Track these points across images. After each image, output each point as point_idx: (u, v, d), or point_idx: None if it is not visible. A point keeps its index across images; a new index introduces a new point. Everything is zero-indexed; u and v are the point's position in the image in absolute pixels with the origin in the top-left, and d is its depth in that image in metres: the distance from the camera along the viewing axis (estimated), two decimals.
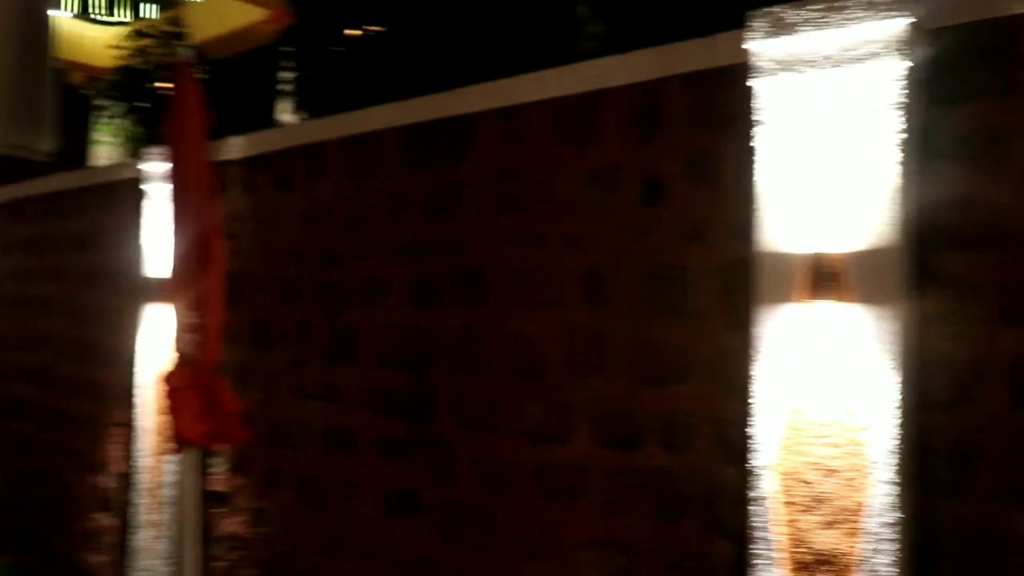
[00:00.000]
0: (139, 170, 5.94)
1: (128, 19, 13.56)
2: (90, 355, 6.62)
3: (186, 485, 5.58)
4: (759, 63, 3.06)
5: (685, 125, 3.46)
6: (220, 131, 4.84)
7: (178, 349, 3.89)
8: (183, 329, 3.84)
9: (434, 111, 4.36)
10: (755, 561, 2.98)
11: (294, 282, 5.03)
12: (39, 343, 7.31)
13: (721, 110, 3.31)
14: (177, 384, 3.77)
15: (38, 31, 8.83)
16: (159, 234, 5.72)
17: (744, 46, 3.09)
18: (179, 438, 3.83)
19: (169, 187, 4.10)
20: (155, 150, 5.80)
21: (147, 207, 5.86)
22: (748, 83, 3.10)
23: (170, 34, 8.39)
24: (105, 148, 11.95)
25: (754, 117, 3.08)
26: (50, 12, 8.94)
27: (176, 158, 3.97)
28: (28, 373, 7.42)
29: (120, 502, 6.13)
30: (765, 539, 2.95)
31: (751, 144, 3.09)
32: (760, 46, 3.05)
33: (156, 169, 5.76)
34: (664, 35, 3.56)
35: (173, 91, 4.03)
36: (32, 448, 7.28)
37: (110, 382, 6.32)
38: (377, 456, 4.54)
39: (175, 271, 3.94)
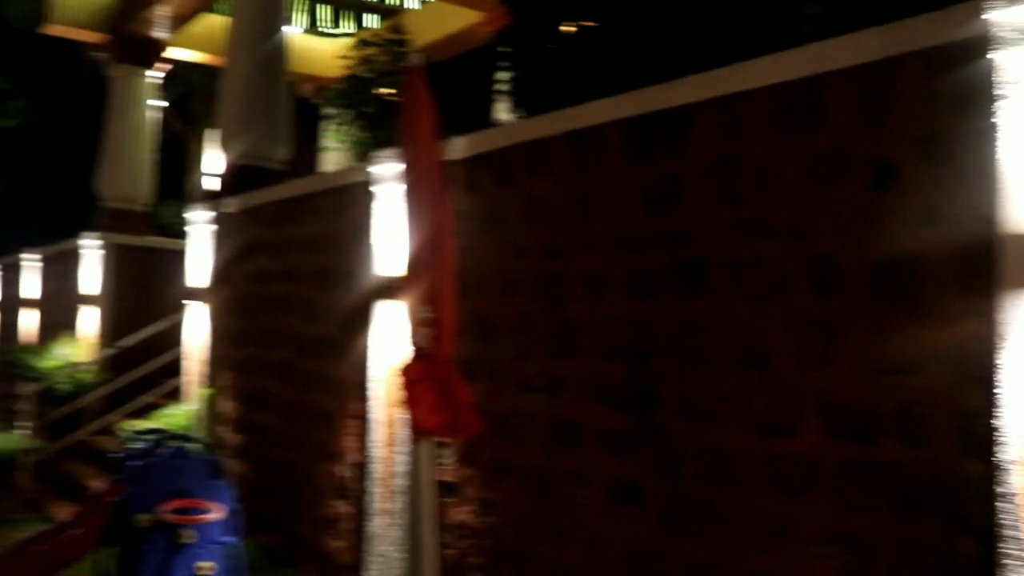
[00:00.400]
0: (369, 173, 6.22)
1: (352, 30, 14.20)
2: (326, 351, 6.98)
3: (419, 475, 5.81)
4: (1001, 34, 2.90)
5: (918, 104, 3.31)
6: (442, 132, 5.01)
7: (414, 343, 4.05)
8: (418, 324, 3.99)
9: (653, 103, 4.36)
10: (1005, 561, 2.83)
11: (516, 277, 5.14)
12: (279, 340, 7.76)
13: (958, 87, 3.15)
14: (414, 377, 3.92)
15: (274, 47, 9.42)
16: (389, 234, 5.99)
17: (983, 16, 2.93)
18: (416, 429, 3.99)
19: (403, 187, 4.27)
20: (383, 154, 6.06)
21: (377, 209, 6.13)
22: (988, 56, 2.94)
23: (392, 42, 8.74)
24: (333, 154, 12.59)
25: (996, 92, 2.92)
26: (285, 28, 9.50)
27: (410, 159, 4.13)
28: (270, 368, 7.89)
29: (356, 490, 6.44)
30: (1016, 538, 2.80)
31: (992, 121, 2.94)
32: (1002, 15, 2.89)
33: (385, 172, 6.02)
34: (884, 14, 3.43)
35: (406, 95, 4.19)
36: (275, 439, 7.74)
37: (345, 376, 6.65)
38: (601, 447, 4.58)
39: (410, 268, 4.10)
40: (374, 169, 6.14)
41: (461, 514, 5.50)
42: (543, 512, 4.93)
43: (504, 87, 7.51)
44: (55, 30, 13.03)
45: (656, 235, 4.31)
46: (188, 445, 6.69)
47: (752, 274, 3.87)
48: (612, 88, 4.61)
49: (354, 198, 6.63)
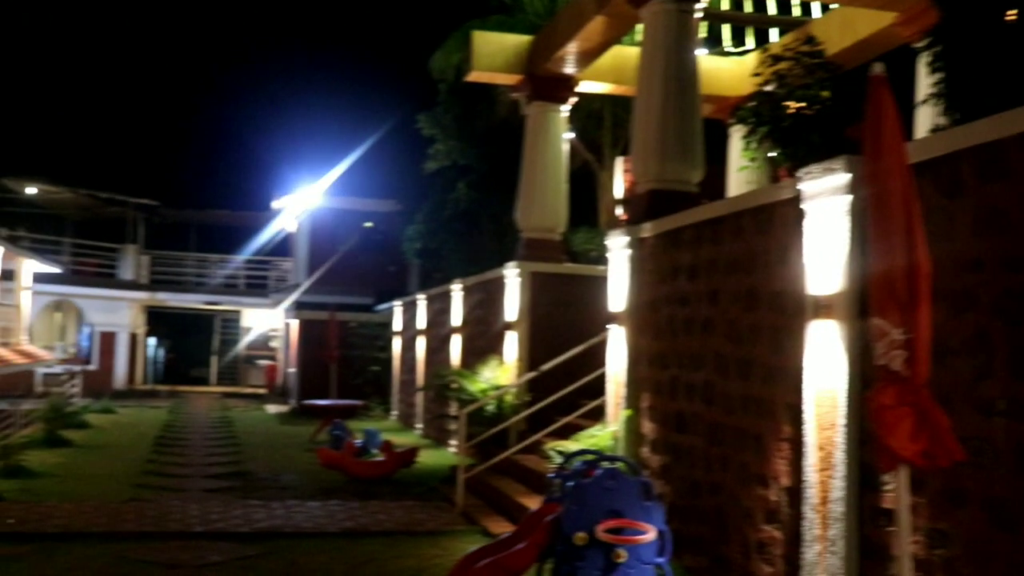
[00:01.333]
0: (797, 190, 6.05)
1: (752, 46, 14.05)
2: (752, 372, 6.88)
3: (855, 500, 5.54)
4: None
5: None
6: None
7: (885, 366, 3.84)
8: (890, 346, 3.78)
9: None
10: None
11: (970, 291, 4.76)
12: (701, 361, 7.76)
13: None
14: (887, 403, 3.72)
15: (686, 73, 9.53)
16: (822, 252, 5.78)
17: None
18: (892, 456, 3.78)
19: (867, 200, 4.08)
20: (813, 169, 5.87)
21: (808, 226, 5.95)
22: None
23: (806, 54, 8.49)
24: (745, 173, 12.49)
25: None
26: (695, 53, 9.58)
27: (875, 171, 3.94)
28: (692, 390, 7.91)
29: (788, 515, 6.27)
30: None
31: None
32: None
33: (817, 188, 5.82)
34: None
35: (869, 105, 4.02)
36: (699, 460, 7.74)
37: (774, 398, 6.51)
38: None
39: (878, 287, 3.91)
40: (804, 186, 5.96)
41: (907, 545, 5.15)
42: (1011, 546, 4.49)
43: (932, 88, 7.00)
44: (477, 76, 14.07)
45: None
46: (618, 466, 6.88)
47: None
48: None
49: (781, 216, 6.50)
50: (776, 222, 6.59)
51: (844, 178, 5.61)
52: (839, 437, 5.62)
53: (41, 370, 27.44)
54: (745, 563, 6.83)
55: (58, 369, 28.02)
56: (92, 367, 32.38)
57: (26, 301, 25.86)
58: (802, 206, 6.00)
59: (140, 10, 53.67)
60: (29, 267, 26.14)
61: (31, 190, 31.58)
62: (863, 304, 5.56)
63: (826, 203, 5.76)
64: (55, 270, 28.15)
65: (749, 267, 7.02)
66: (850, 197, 5.60)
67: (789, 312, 6.31)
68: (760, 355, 6.77)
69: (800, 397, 6.04)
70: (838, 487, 5.62)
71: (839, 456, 5.62)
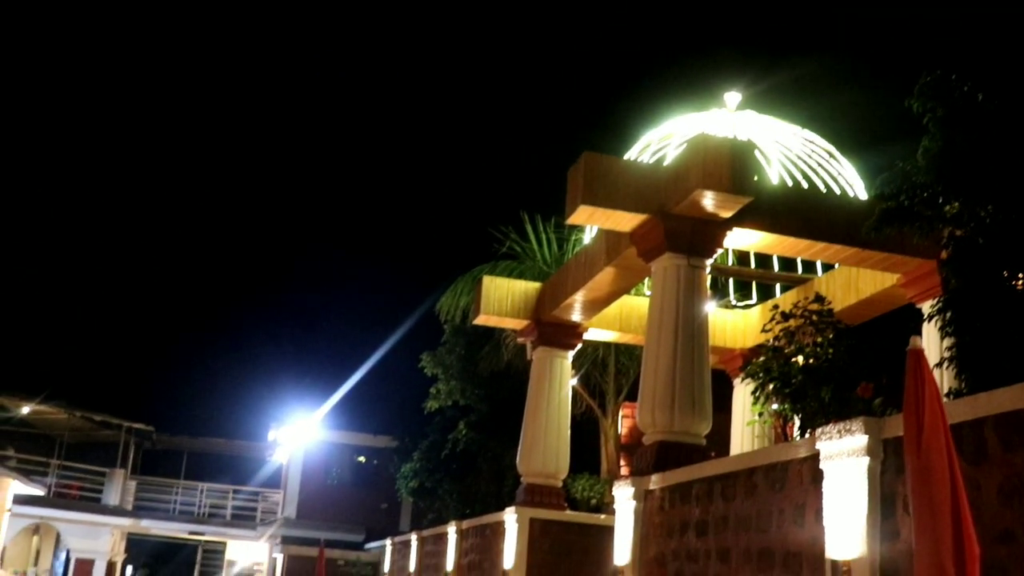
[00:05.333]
0: (815, 449, 5.97)
1: (754, 300, 14.35)
2: None
3: None
4: None
5: None
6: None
7: None
8: None
9: None
10: None
11: (999, 564, 4.60)
12: None
13: None
14: None
15: (695, 326, 9.66)
16: (842, 514, 5.63)
17: None
18: None
19: (910, 476, 4.00)
20: (831, 429, 5.81)
21: (827, 486, 5.82)
22: None
23: (815, 312, 8.65)
24: (752, 427, 12.43)
25: None
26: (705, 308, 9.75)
27: (915, 447, 3.90)
28: None
29: None
30: None
31: None
32: None
33: (836, 448, 5.75)
34: None
35: (907, 376, 4.07)
36: None
37: None
38: None
39: (924, 568, 3.77)
40: (822, 445, 5.89)
41: None
42: None
43: (946, 353, 7.08)
44: (485, 319, 14.26)
45: None
46: None
47: None
48: None
49: (796, 475, 6.40)
50: (791, 481, 6.47)
51: (862, 440, 5.55)
52: None
53: None
54: None
55: None
56: None
57: (3, 523, 25.16)
58: (821, 466, 5.90)
59: (139, 235, 55.24)
60: (12, 488, 25.60)
61: (25, 409, 31.39)
62: (883, 570, 5.38)
63: (845, 464, 5.67)
64: (38, 492, 27.55)
65: (763, 525, 6.84)
66: (867, 459, 5.53)
67: (805, 575, 6.10)
68: None
69: None
70: None
71: None
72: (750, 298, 14.46)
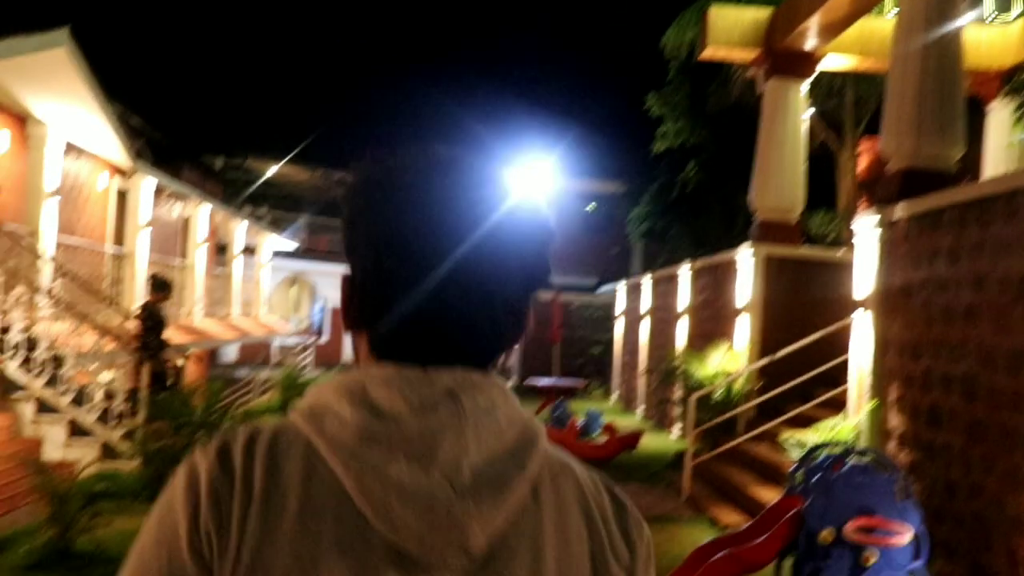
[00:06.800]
0: None
1: (1019, 12, 12.95)
2: None
3: None
4: None
5: None
6: None
7: None
8: None
9: None
10: None
11: None
12: (961, 353, 7.15)
13: None
14: None
15: (946, 43, 8.81)
16: None
17: None
18: None
19: None
20: None
21: None
22: None
23: None
24: (1004, 154, 11.52)
25: None
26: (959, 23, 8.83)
27: None
28: (950, 383, 7.30)
29: None
30: None
31: None
32: None
33: None
34: None
35: None
36: (955, 459, 7.15)
37: None
38: None
39: None
40: None
41: None
42: None
43: None
44: (712, 52, 13.60)
45: None
46: (867, 460, 6.40)
47: None
48: None
49: None
50: None
51: None
52: None
53: (277, 341, 28.97)
54: (1011, 574, 6.24)
55: (292, 341, 29.51)
56: (323, 340, 33.93)
57: (265, 275, 27.33)
58: None
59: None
60: (269, 243, 27.60)
61: (272, 169, 33.32)
62: None
63: None
64: (294, 246, 29.60)
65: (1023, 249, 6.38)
66: None
67: None
68: None
69: None
70: None
71: None
72: (1010, 9, 13.03)
